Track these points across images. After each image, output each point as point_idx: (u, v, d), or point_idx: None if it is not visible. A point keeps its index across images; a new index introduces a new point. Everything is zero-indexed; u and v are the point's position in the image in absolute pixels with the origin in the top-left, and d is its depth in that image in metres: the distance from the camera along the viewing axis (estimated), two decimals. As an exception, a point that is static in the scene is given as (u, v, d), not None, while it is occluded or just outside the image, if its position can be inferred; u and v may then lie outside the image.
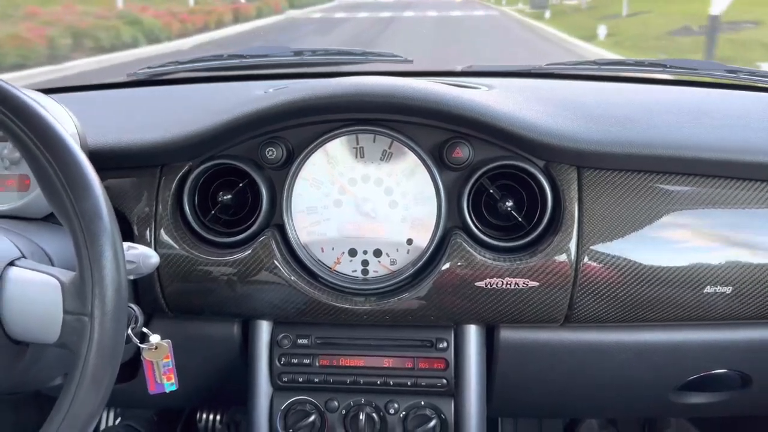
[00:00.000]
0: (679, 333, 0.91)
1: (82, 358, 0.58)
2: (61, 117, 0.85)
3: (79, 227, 0.59)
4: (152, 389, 0.84)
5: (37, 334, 0.62)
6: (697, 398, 1.00)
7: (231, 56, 1.29)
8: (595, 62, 1.26)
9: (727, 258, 0.85)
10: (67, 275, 0.62)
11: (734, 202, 0.86)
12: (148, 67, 1.28)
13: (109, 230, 0.60)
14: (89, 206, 0.59)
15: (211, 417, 1.39)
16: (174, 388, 0.84)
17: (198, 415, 1.38)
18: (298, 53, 1.28)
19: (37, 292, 0.62)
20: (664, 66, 1.22)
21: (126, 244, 0.71)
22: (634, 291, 0.85)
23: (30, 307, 0.62)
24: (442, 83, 0.97)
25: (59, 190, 0.60)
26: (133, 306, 0.80)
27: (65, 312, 0.60)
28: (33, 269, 0.64)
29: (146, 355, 0.82)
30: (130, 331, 0.79)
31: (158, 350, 0.81)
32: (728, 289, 0.85)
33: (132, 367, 0.95)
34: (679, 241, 0.86)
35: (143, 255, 0.72)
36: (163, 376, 0.84)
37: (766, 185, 0.86)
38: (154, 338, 0.80)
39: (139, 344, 0.80)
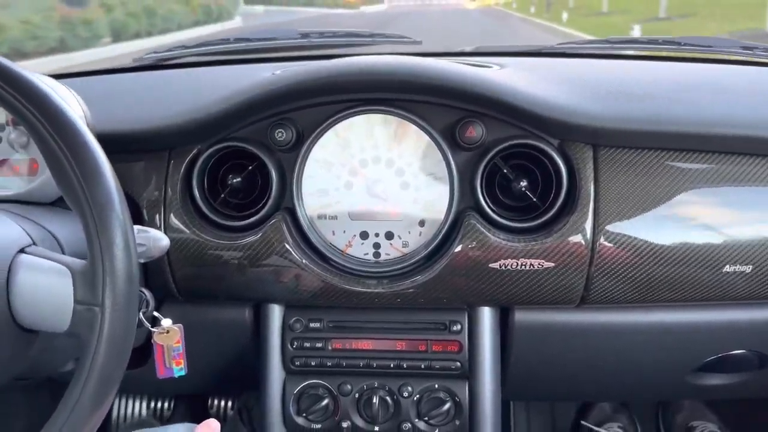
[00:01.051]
0: (697, 313, 0.90)
1: (91, 349, 0.58)
2: (69, 100, 0.84)
3: (90, 215, 0.58)
4: (161, 373, 0.84)
5: (47, 322, 0.62)
6: (714, 380, 0.99)
7: (238, 39, 1.28)
8: (607, 41, 1.24)
9: (747, 236, 0.83)
10: (78, 264, 0.61)
11: (753, 179, 0.84)
12: (155, 52, 1.27)
13: (121, 218, 0.59)
14: (101, 193, 0.58)
15: (222, 403, 1.39)
16: (183, 373, 0.83)
17: (209, 402, 1.38)
18: (305, 35, 1.27)
19: (48, 281, 0.61)
20: (679, 44, 1.20)
21: (136, 227, 0.70)
22: (651, 271, 0.84)
23: (40, 295, 0.61)
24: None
25: (70, 176, 0.59)
26: (143, 290, 0.79)
27: (76, 302, 0.59)
28: (44, 257, 0.64)
29: (157, 339, 0.81)
30: (141, 315, 0.78)
31: (170, 334, 0.81)
32: (748, 268, 0.83)
33: (143, 352, 0.95)
34: (697, 219, 0.84)
35: (153, 238, 0.71)
36: (172, 360, 0.83)
37: None
38: (166, 322, 0.80)
39: (151, 328, 0.79)
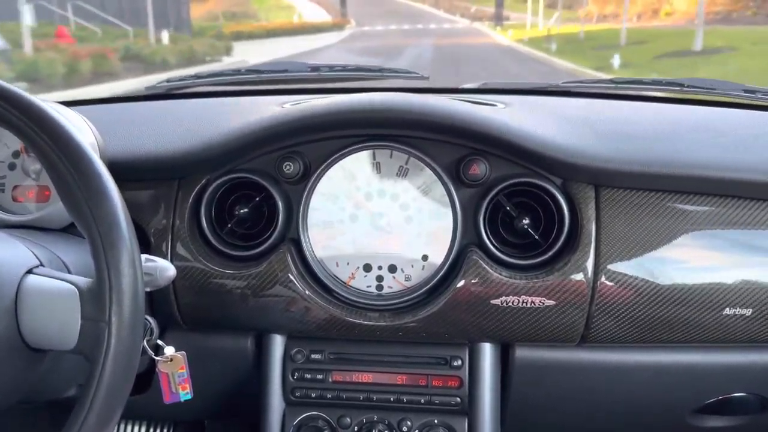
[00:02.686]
0: (698, 354, 0.90)
1: (99, 365, 0.59)
2: (81, 127, 0.86)
3: (97, 233, 0.60)
4: (168, 399, 0.84)
5: (54, 341, 0.63)
6: (715, 421, 0.98)
7: (249, 71, 1.31)
8: (612, 81, 1.26)
9: (747, 279, 0.84)
10: (85, 282, 0.62)
11: (753, 222, 0.85)
12: (168, 81, 1.30)
13: (127, 237, 0.60)
14: (107, 213, 0.60)
15: (222, 430, 1.38)
16: (189, 397, 0.84)
17: (208, 430, 1.38)
18: (315, 69, 1.30)
19: (55, 299, 0.62)
20: (682, 85, 1.22)
21: (143, 257, 0.72)
22: (651, 311, 0.84)
23: (47, 314, 0.62)
24: (459, 100, 0.97)
25: (78, 196, 0.60)
26: (148, 318, 0.80)
27: (83, 318, 0.61)
28: (50, 276, 0.65)
29: (162, 367, 0.82)
30: (145, 343, 0.79)
31: (173, 362, 0.82)
32: (748, 311, 0.84)
33: (146, 378, 0.96)
34: (698, 261, 0.85)
35: (160, 268, 0.72)
36: (178, 386, 0.84)
37: None
38: (169, 350, 0.81)
39: (154, 356, 0.80)
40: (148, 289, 0.75)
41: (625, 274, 0.84)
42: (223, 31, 19.54)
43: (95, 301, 0.60)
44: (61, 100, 1.11)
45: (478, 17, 30.56)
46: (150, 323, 0.80)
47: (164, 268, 0.73)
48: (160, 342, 0.81)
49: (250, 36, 19.52)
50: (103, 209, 0.60)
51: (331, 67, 1.30)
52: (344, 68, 1.30)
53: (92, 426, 0.58)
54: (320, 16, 30.80)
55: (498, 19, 27.31)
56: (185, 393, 0.85)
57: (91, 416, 0.58)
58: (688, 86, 1.21)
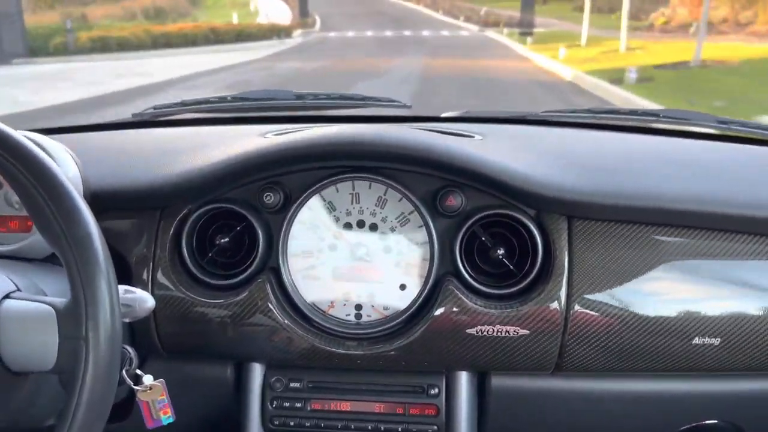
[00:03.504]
0: (670, 383, 0.92)
1: (78, 381, 0.59)
2: (62, 158, 0.87)
3: (70, 251, 0.61)
4: (150, 425, 0.85)
5: (34, 362, 0.64)
6: None
7: (235, 98, 1.33)
8: (589, 110, 1.29)
9: (715, 309, 0.86)
10: (61, 302, 0.63)
11: (723, 254, 0.87)
12: (154, 108, 1.32)
13: (101, 253, 0.62)
14: (80, 231, 0.62)
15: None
16: (171, 420, 0.85)
17: None
18: (300, 97, 1.32)
19: (33, 321, 0.63)
20: (657, 115, 1.25)
21: (122, 288, 0.73)
22: (623, 340, 0.86)
23: (26, 336, 0.63)
24: (437, 131, 1.00)
25: (50, 218, 0.62)
26: (127, 348, 0.81)
27: (60, 336, 0.62)
28: (28, 299, 0.66)
29: (141, 397, 0.83)
30: (124, 373, 0.80)
31: (153, 390, 0.82)
32: (716, 341, 0.86)
33: (125, 406, 0.96)
34: (668, 291, 0.87)
35: (139, 299, 0.73)
36: (159, 411, 0.85)
37: (754, 238, 0.87)
38: (147, 379, 0.81)
39: (133, 386, 0.80)
40: (127, 320, 0.76)
41: (598, 304, 0.86)
42: (80, 37, 14.42)
43: (72, 319, 0.61)
44: (46, 127, 1.13)
45: (490, 23, 21.23)
46: (129, 353, 0.81)
47: (143, 299, 0.74)
48: (139, 372, 0.82)
49: (154, 44, 14.82)
50: (75, 229, 0.61)
51: (315, 96, 1.32)
52: (328, 97, 1.33)
53: (87, 408, 0.59)
54: (284, 16, 23.00)
55: (526, 26, 17.64)
56: (167, 417, 0.86)
57: (82, 405, 0.59)
58: (662, 116, 1.24)
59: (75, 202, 0.63)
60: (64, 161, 0.88)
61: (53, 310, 0.63)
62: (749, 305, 0.87)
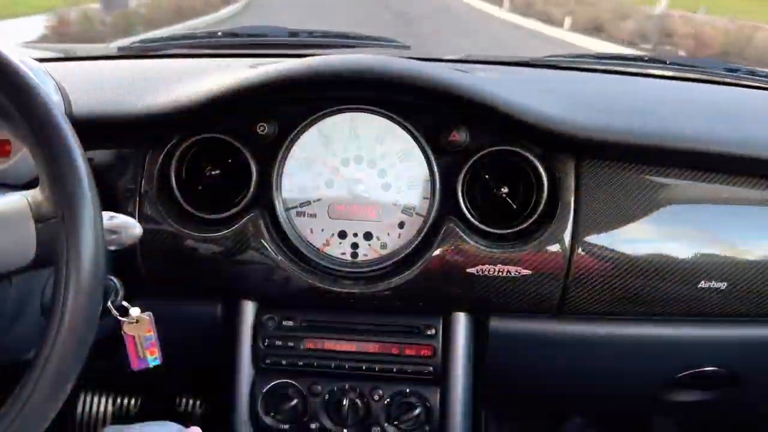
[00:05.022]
0: (672, 328, 0.90)
1: (63, 262, 0.55)
2: (45, 80, 0.82)
3: (33, 134, 0.56)
4: (135, 365, 0.82)
5: (13, 257, 0.59)
6: (685, 396, 0.99)
7: (226, 34, 1.27)
8: (595, 56, 1.25)
9: (723, 254, 0.84)
10: (32, 190, 0.59)
11: (732, 198, 0.85)
12: (141, 42, 1.26)
13: (65, 132, 0.57)
14: (60, 148, 0.57)
15: (191, 402, 1.36)
16: (158, 362, 0.82)
17: (177, 401, 1.36)
18: (294, 34, 1.26)
19: (6, 215, 0.59)
20: (664, 62, 1.21)
21: (107, 214, 0.69)
22: (627, 283, 0.84)
23: (1, 232, 0.59)
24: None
25: (29, 134, 0.57)
26: (113, 279, 0.77)
27: (35, 221, 0.58)
28: None
29: (127, 329, 0.79)
30: (110, 304, 0.77)
31: (139, 324, 0.79)
32: (723, 285, 0.84)
33: (112, 343, 0.93)
34: (675, 234, 0.85)
35: (125, 225, 0.69)
36: (146, 350, 0.81)
37: (763, 181, 0.85)
38: (134, 311, 0.78)
39: (119, 317, 0.77)
40: (113, 248, 0.72)
41: (602, 246, 0.83)
42: None
43: (45, 200, 0.57)
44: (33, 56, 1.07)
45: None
46: (115, 283, 0.77)
47: (129, 225, 0.70)
48: (125, 303, 0.78)
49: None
50: (56, 146, 0.57)
51: (310, 33, 1.27)
52: (324, 34, 1.27)
53: (75, 330, 0.55)
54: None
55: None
56: (153, 358, 0.82)
57: (68, 318, 0.55)
58: (670, 63, 1.20)
59: (57, 120, 0.58)
60: (48, 86, 0.83)
61: (25, 199, 0.58)
62: (756, 250, 0.85)
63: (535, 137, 0.84)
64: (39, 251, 0.58)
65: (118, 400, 1.36)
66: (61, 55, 1.18)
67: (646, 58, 1.25)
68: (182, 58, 1.20)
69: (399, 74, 0.80)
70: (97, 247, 0.57)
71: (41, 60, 1.10)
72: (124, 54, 1.23)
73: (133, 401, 1.38)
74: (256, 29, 1.28)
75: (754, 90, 1.09)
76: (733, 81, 1.16)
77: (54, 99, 0.81)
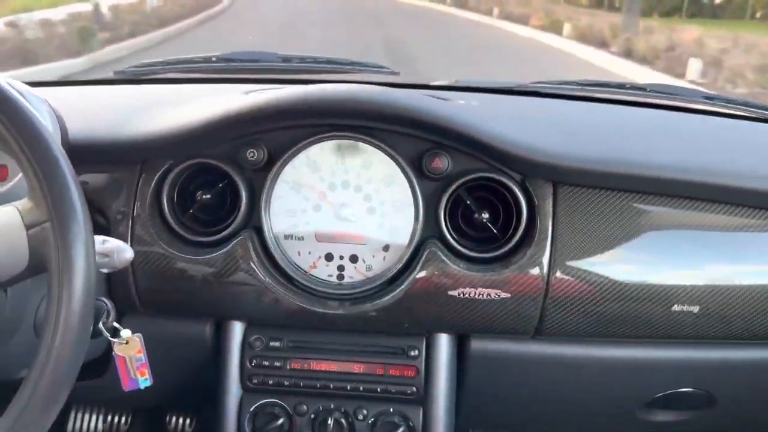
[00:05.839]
0: (648, 350, 0.93)
1: (56, 263, 0.57)
2: (40, 106, 0.85)
3: (19, 147, 0.58)
4: (126, 386, 0.83)
5: (8, 266, 0.61)
6: (663, 416, 1.01)
7: (220, 59, 1.30)
8: (578, 83, 1.28)
9: (695, 278, 0.87)
10: (22, 200, 0.61)
11: (704, 224, 0.88)
12: (135, 66, 1.29)
13: (77, 200, 0.59)
14: (56, 178, 0.59)
15: (180, 420, 1.38)
16: (148, 383, 0.83)
17: (167, 418, 1.37)
18: (286, 60, 1.29)
19: None
20: (645, 90, 1.25)
21: (100, 238, 0.71)
22: (604, 306, 0.86)
23: None
24: (426, 95, 0.99)
25: (25, 164, 0.59)
26: (105, 300, 0.79)
27: (27, 228, 0.60)
28: None
29: (118, 351, 0.81)
30: (101, 326, 0.79)
31: (129, 345, 0.81)
32: (695, 308, 0.87)
33: (103, 363, 0.95)
34: (650, 259, 0.87)
35: (117, 249, 0.72)
36: (136, 371, 0.83)
37: (736, 209, 0.88)
38: (125, 333, 0.80)
39: (110, 338, 0.79)
40: (105, 271, 0.75)
41: (580, 270, 0.86)
42: None
43: (34, 207, 0.59)
44: (26, 81, 1.10)
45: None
46: (106, 305, 0.79)
47: (121, 249, 0.72)
48: (116, 325, 0.80)
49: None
50: (51, 176, 0.59)
51: (302, 59, 1.30)
52: (315, 60, 1.31)
53: (72, 315, 0.57)
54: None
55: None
56: (144, 379, 0.84)
57: (68, 310, 0.57)
58: (650, 91, 1.24)
59: (68, 182, 0.60)
60: (41, 110, 0.85)
61: (15, 209, 0.60)
62: (728, 275, 0.88)
63: (512, 164, 0.87)
64: (32, 257, 0.60)
65: (109, 417, 1.37)
66: (58, 80, 1.21)
67: (628, 86, 1.29)
68: (177, 83, 1.23)
69: (379, 104, 0.84)
70: (88, 247, 0.59)
71: (37, 84, 1.13)
72: (120, 78, 1.26)
73: (123, 418, 1.39)
74: (250, 55, 1.31)
75: (730, 120, 1.13)
76: (711, 109, 1.20)
77: (46, 122, 0.84)
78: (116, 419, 1.38)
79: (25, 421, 0.57)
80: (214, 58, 1.31)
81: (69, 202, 0.59)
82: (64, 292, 0.57)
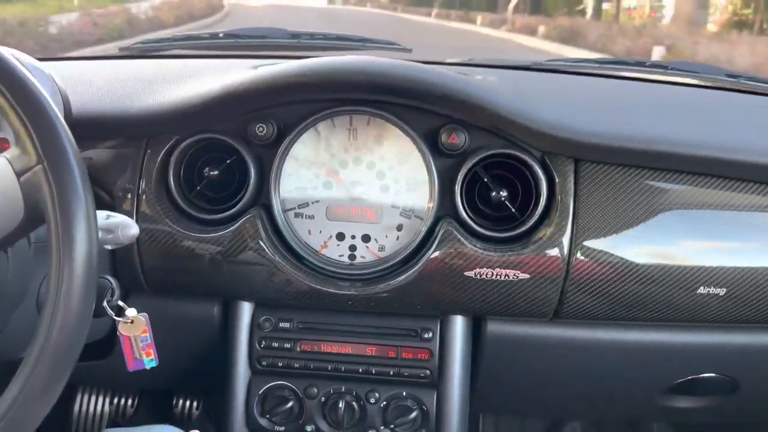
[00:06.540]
0: (670, 334, 0.90)
1: (52, 208, 0.55)
2: (44, 79, 0.82)
3: (45, 171, 0.56)
4: (131, 366, 0.81)
5: (4, 218, 0.59)
6: (684, 402, 0.98)
7: (227, 35, 1.27)
8: (596, 60, 1.25)
9: (722, 259, 0.84)
10: (9, 149, 0.59)
11: (731, 203, 0.85)
12: (142, 42, 1.26)
13: (77, 173, 0.57)
14: (55, 149, 0.57)
15: (187, 403, 1.36)
16: (154, 364, 0.81)
17: (174, 400, 1.35)
18: (295, 36, 1.26)
19: None
20: (665, 68, 1.21)
21: (104, 213, 0.69)
22: (626, 288, 0.83)
23: None
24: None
25: (24, 136, 0.57)
26: (109, 278, 0.77)
27: (17, 175, 0.57)
28: None
29: (122, 330, 0.79)
30: (105, 304, 0.76)
31: (135, 324, 0.79)
32: (722, 291, 0.83)
33: (108, 343, 0.93)
34: (674, 239, 0.84)
35: (122, 224, 0.69)
36: (142, 351, 0.81)
37: (762, 187, 0.85)
38: (131, 312, 0.78)
39: (115, 317, 0.77)
40: (109, 247, 0.72)
41: (602, 251, 0.83)
42: None
43: (21, 153, 0.57)
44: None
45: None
46: (111, 283, 0.77)
47: (126, 224, 0.69)
48: (121, 303, 0.78)
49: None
50: (51, 147, 0.57)
51: (311, 35, 1.27)
52: (325, 36, 1.27)
53: (74, 259, 0.55)
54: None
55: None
56: (150, 359, 0.82)
57: (73, 247, 0.55)
58: (671, 69, 1.20)
59: (55, 121, 0.58)
60: (45, 82, 0.83)
61: (4, 159, 0.58)
62: (755, 257, 0.85)
63: (533, 141, 0.83)
64: (27, 206, 0.58)
65: (115, 400, 1.36)
66: (63, 55, 1.18)
67: (648, 63, 1.25)
68: (183, 59, 1.20)
69: (394, 77, 0.80)
70: (84, 189, 0.57)
71: (43, 59, 1.11)
72: (126, 54, 1.23)
73: (130, 401, 1.38)
74: (257, 31, 1.28)
75: (755, 96, 1.09)
76: (733, 87, 1.16)
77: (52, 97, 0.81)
78: (122, 401, 1.36)
79: (25, 402, 0.54)
80: (221, 34, 1.28)
81: (58, 140, 0.57)
82: (64, 241, 0.55)
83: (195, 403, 1.37)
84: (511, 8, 14.16)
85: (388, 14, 18.01)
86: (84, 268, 0.56)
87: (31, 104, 0.57)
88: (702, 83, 1.18)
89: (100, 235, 0.63)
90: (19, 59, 0.77)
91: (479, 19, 14.68)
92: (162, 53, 1.25)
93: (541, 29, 11.58)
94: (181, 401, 1.36)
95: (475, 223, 0.85)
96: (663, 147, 0.83)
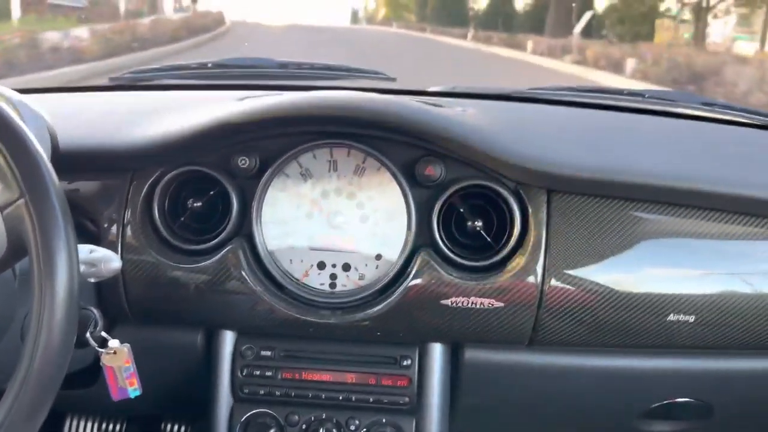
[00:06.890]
0: (644, 360, 0.92)
1: (34, 241, 0.57)
2: (30, 114, 0.84)
3: (27, 206, 0.58)
4: (115, 395, 0.83)
5: None
6: (660, 426, 1.00)
7: (216, 65, 1.30)
8: (574, 89, 1.27)
9: (691, 286, 0.86)
10: None
11: (701, 232, 0.87)
12: (131, 72, 1.28)
13: (58, 209, 0.59)
14: (39, 186, 0.59)
15: (176, 428, 1.37)
16: (138, 393, 0.83)
17: (162, 425, 1.36)
18: (283, 66, 1.29)
19: None
20: (642, 96, 1.24)
21: (87, 247, 0.71)
22: (598, 315, 0.85)
23: None
24: (422, 102, 0.98)
25: (7, 172, 0.59)
26: (93, 309, 0.79)
27: (1, 209, 0.59)
28: None
29: (105, 361, 0.81)
30: (89, 335, 0.78)
31: (117, 355, 0.80)
32: (691, 318, 0.85)
33: (91, 373, 0.94)
34: (645, 267, 0.86)
35: (105, 258, 0.71)
36: (126, 381, 0.82)
37: (732, 217, 0.87)
38: (113, 343, 0.80)
39: (98, 348, 0.79)
40: (92, 280, 0.74)
41: (574, 278, 0.85)
42: None
43: (6, 187, 0.59)
44: (20, 87, 1.09)
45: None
46: (94, 314, 0.79)
47: (109, 258, 0.71)
48: (104, 334, 0.80)
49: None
50: (34, 184, 0.58)
51: (299, 65, 1.30)
52: (312, 66, 1.30)
53: (45, 348, 0.57)
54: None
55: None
56: (133, 389, 0.83)
57: (55, 279, 0.56)
58: (648, 97, 1.23)
59: (36, 158, 0.60)
60: (34, 119, 0.85)
61: None
62: (724, 284, 0.87)
63: (506, 172, 0.86)
64: (10, 239, 0.60)
65: (103, 425, 1.36)
66: (52, 86, 1.21)
67: (625, 92, 1.28)
68: (172, 90, 1.22)
69: (369, 111, 0.83)
70: (65, 222, 0.58)
71: (31, 91, 1.13)
72: (115, 84, 1.26)
73: (118, 426, 1.38)
74: (246, 61, 1.31)
75: (728, 126, 1.12)
76: (709, 115, 1.19)
77: (37, 132, 0.83)
78: (111, 427, 1.37)
79: (12, 424, 0.56)
80: (209, 65, 1.30)
81: (39, 175, 0.59)
82: (45, 275, 0.57)
83: (183, 428, 1.37)
84: (578, 33, 10.03)
85: (415, 36, 15.53)
86: (65, 299, 0.58)
87: (13, 141, 0.60)
88: (677, 111, 1.21)
89: (82, 269, 0.65)
90: (9, 97, 0.80)
91: (529, 45, 11.22)
92: (151, 83, 1.28)
93: (630, 63, 8.41)
94: (169, 426, 1.37)
95: (452, 252, 0.87)
96: (634, 179, 0.85)
